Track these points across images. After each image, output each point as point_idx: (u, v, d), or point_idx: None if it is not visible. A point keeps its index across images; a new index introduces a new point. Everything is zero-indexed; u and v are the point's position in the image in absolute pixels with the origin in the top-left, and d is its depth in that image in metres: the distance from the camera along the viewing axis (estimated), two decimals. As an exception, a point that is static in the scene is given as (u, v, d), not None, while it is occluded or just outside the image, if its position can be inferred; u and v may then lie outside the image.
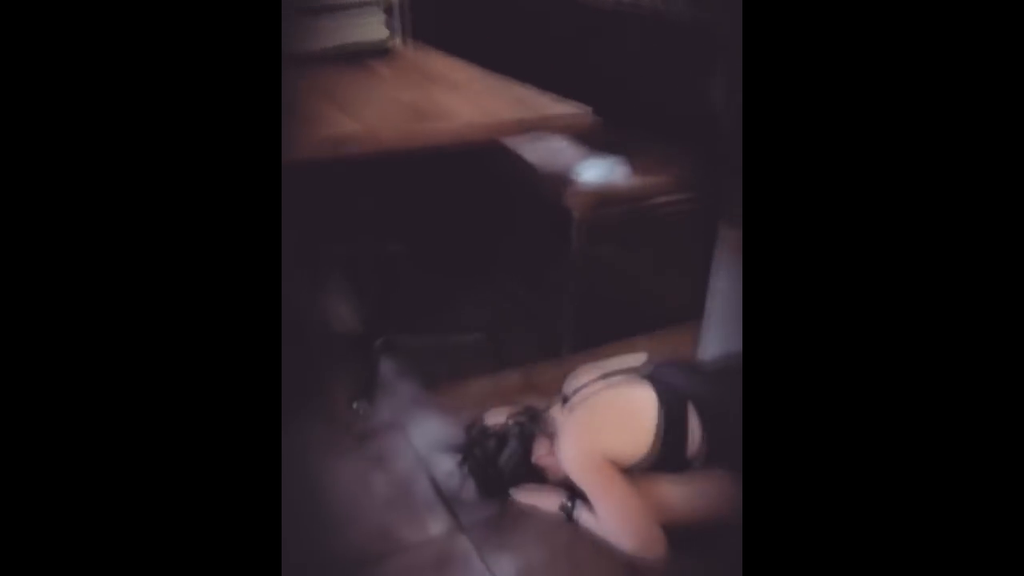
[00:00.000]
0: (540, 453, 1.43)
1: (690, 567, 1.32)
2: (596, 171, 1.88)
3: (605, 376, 1.50)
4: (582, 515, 1.39)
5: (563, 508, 1.41)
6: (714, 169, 2.01)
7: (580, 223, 1.83)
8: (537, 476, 1.46)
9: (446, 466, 1.54)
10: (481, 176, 2.27)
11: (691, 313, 2.17)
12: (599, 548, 1.35)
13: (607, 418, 1.39)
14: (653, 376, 1.43)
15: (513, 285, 2.24)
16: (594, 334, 1.99)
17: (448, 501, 1.47)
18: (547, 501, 1.43)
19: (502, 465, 1.43)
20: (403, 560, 1.34)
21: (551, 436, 1.43)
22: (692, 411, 1.35)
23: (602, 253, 1.90)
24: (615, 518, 1.33)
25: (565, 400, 1.52)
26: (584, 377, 1.54)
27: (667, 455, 1.34)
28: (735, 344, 1.61)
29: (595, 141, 2.02)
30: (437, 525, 1.42)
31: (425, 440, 1.64)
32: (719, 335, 2.09)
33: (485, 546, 1.37)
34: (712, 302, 2.20)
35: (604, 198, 1.85)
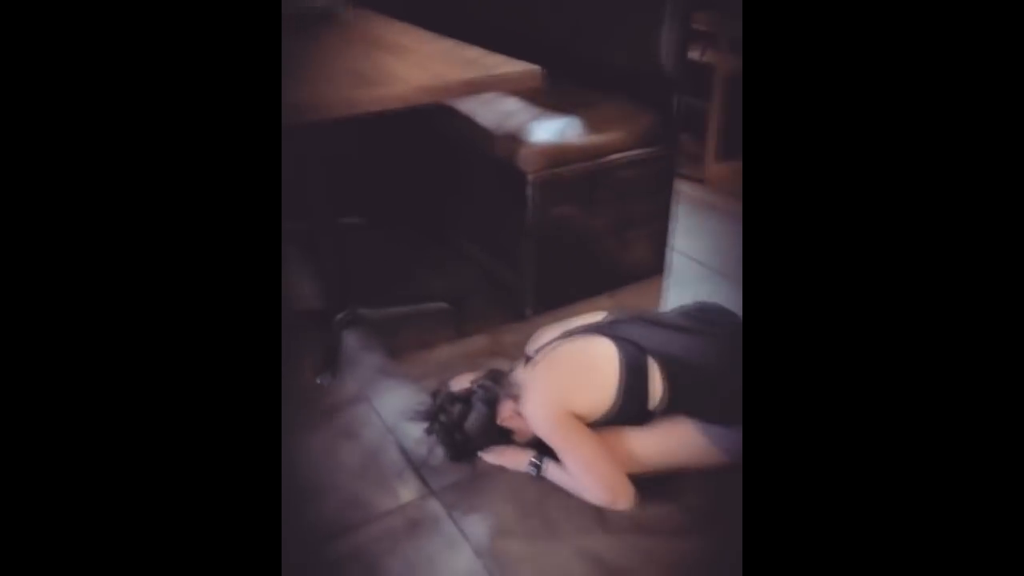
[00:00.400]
0: (506, 414, 1.44)
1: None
2: (549, 130, 1.86)
3: (566, 335, 1.50)
4: (551, 471, 1.41)
5: (532, 466, 1.42)
6: (667, 123, 2.02)
7: (535, 183, 1.82)
8: (504, 437, 1.47)
9: (414, 434, 1.54)
10: (434, 142, 2.24)
11: (652, 269, 2.19)
12: (569, 502, 1.38)
13: (570, 374, 1.41)
14: (612, 330, 1.44)
15: (473, 250, 2.23)
16: (557, 295, 2.00)
17: (417, 467, 1.48)
18: (515, 460, 1.45)
19: (469, 429, 1.44)
20: (376, 528, 1.35)
21: (515, 397, 1.44)
22: (652, 362, 1.36)
23: (559, 213, 1.90)
24: (583, 470, 1.35)
25: (528, 361, 1.53)
26: (546, 337, 1.55)
27: (630, 406, 1.36)
28: (696, 297, 1.63)
29: (547, 100, 2.00)
30: (407, 492, 1.43)
31: (392, 410, 1.64)
32: (681, 290, 2.11)
33: (456, 509, 1.38)
34: (673, 257, 2.22)
35: (558, 157, 1.83)
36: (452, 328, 1.94)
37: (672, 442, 1.39)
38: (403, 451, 1.52)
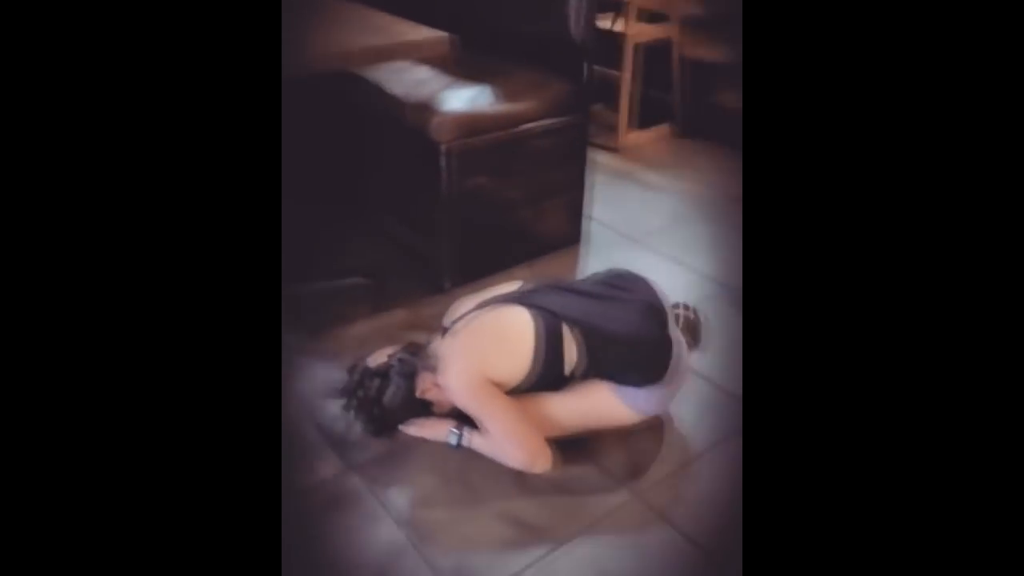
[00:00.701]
0: (424, 386, 1.44)
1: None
2: (461, 99, 1.84)
3: (483, 305, 1.51)
4: (472, 439, 1.42)
5: (452, 435, 1.43)
6: (579, 92, 2.03)
7: (448, 153, 1.80)
8: (424, 410, 1.47)
9: (332, 410, 1.52)
10: (345, 111, 2.19)
11: (569, 239, 2.22)
12: (489, 468, 1.39)
13: (487, 343, 1.41)
14: (528, 299, 1.45)
15: (389, 223, 2.20)
16: (475, 266, 2.00)
17: (336, 444, 1.46)
18: (436, 431, 1.45)
19: (388, 403, 1.43)
20: (296, 505, 1.32)
21: (434, 369, 1.43)
22: (567, 328, 1.38)
23: (474, 183, 1.89)
24: (502, 436, 1.37)
25: (445, 332, 1.53)
26: (462, 308, 1.55)
27: (547, 372, 1.38)
28: (613, 265, 1.66)
29: (458, 69, 1.98)
30: (327, 468, 1.41)
31: (309, 387, 1.61)
32: (597, 258, 2.15)
33: (376, 483, 1.38)
34: (589, 226, 2.25)
35: (471, 126, 1.82)
36: (370, 303, 1.91)
37: (588, 405, 1.42)
38: (321, 428, 1.50)
